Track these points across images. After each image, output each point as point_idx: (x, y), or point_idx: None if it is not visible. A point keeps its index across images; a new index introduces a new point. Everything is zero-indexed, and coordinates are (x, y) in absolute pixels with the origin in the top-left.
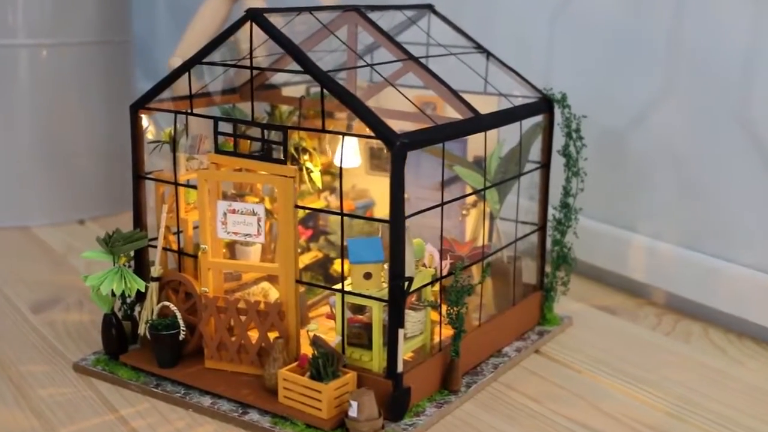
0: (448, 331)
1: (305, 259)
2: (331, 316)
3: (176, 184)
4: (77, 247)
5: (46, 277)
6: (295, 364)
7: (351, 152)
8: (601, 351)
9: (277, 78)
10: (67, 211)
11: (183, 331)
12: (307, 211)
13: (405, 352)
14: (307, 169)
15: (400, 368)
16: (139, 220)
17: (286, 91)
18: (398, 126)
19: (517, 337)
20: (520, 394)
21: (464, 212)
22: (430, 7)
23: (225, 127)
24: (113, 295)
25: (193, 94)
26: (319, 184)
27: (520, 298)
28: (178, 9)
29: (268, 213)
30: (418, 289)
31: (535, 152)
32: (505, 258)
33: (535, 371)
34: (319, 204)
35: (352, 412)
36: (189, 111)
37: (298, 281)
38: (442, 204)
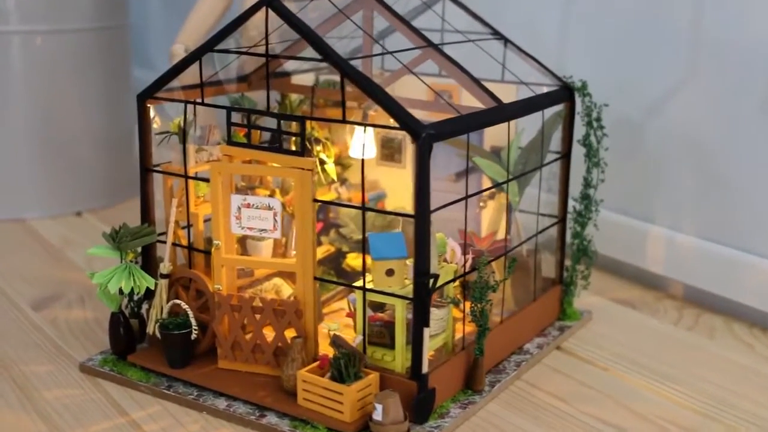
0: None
1: (317, 254)
2: (351, 315)
3: (186, 177)
4: (75, 241)
5: (44, 272)
6: (315, 364)
7: (367, 143)
8: (624, 347)
9: (286, 66)
10: (63, 202)
11: (195, 330)
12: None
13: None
14: (320, 160)
15: (425, 369)
16: (147, 215)
17: (296, 79)
18: (416, 116)
19: (537, 333)
20: (546, 393)
21: (481, 204)
22: None
23: (235, 117)
24: (121, 293)
25: (200, 83)
26: (334, 176)
27: (540, 293)
28: None
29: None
30: (442, 286)
31: (554, 142)
32: (524, 251)
33: (559, 369)
34: (330, 196)
35: (377, 416)
36: (200, 101)
37: (317, 278)
38: (467, 197)
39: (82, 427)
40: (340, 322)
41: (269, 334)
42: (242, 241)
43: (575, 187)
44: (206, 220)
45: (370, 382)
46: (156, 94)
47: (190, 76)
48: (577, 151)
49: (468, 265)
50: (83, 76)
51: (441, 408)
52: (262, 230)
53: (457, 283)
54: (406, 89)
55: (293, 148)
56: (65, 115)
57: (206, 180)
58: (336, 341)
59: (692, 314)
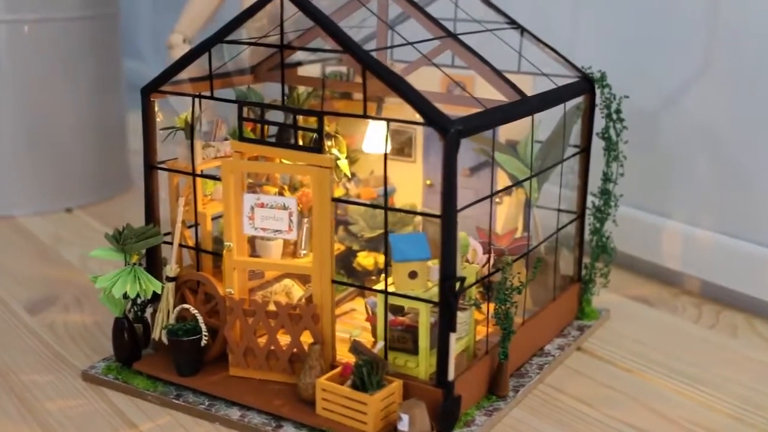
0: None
1: None
2: (371, 319)
3: (194, 174)
4: (67, 239)
5: (37, 272)
6: (335, 372)
7: (380, 137)
8: (646, 347)
9: (293, 57)
10: (53, 198)
11: (205, 336)
12: None
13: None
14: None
15: (451, 376)
16: (151, 215)
17: (301, 71)
18: None
19: (557, 334)
20: (570, 397)
21: (497, 200)
22: None
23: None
24: (125, 297)
25: (209, 75)
26: (347, 173)
27: (559, 292)
28: None
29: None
30: (467, 289)
31: (572, 136)
32: (542, 249)
33: (582, 371)
34: (338, 192)
35: (403, 426)
36: (210, 94)
37: (335, 281)
38: (492, 195)
39: None
40: (354, 326)
41: (283, 339)
42: (251, 240)
43: (592, 182)
44: (216, 217)
45: (393, 390)
46: (161, 88)
47: (195, 68)
48: (595, 145)
49: (490, 265)
50: (72, 67)
51: (466, 415)
52: (277, 231)
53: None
54: (419, 81)
55: (303, 143)
56: (54, 108)
57: (214, 178)
58: (356, 347)
59: (712, 311)
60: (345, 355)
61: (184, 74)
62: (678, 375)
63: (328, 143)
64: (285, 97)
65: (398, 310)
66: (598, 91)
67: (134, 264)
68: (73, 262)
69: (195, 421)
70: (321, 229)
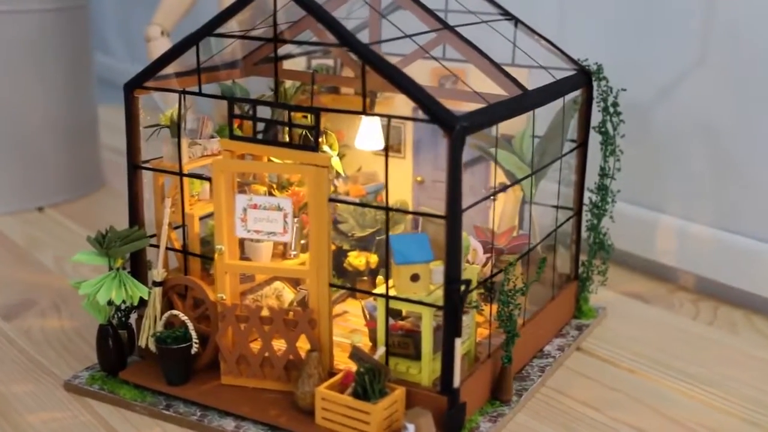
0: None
1: None
2: (371, 324)
3: (181, 174)
4: (41, 239)
5: (10, 275)
6: (333, 380)
7: (374, 134)
8: (646, 346)
9: (279, 50)
10: (23, 197)
11: (195, 343)
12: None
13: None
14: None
15: (456, 383)
16: (136, 217)
17: (287, 64)
18: None
19: (555, 334)
20: (574, 400)
21: (492, 197)
22: None
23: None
24: (110, 304)
25: (193, 70)
26: (340, 171)
27: (558, 291)
28: None
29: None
30: (472, 291)
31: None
32: (539, 247)
33: (583, 372)
34: None
35: None
36: (198, 89)
37: (333, 285)
38: (495, 192)
39: None
40: (347, 329)
41: (276, 344)
42: (240, 242)
43: (588, 178)
44: (202, 218)
45: (396, 398)
46: (145, 83)
47: (178, 62)
48: (591, 140)
49: (491, 265)
50: (41, 60)
51: (470, 422)
52: (271, 233)
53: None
54: (410, 75)
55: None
56: (22, 103)
57: (203, 177)
58: (357, 354)
59: (709, 308)
60: (342, 362)
61: (169, 69)
62: (682, 375)
63: (320, 140)
64: (271, 91)
65: (396, 314)
66: (594, 84)
67: (118, 269)
68: (48, 265)
69: None
70: (317, 230)
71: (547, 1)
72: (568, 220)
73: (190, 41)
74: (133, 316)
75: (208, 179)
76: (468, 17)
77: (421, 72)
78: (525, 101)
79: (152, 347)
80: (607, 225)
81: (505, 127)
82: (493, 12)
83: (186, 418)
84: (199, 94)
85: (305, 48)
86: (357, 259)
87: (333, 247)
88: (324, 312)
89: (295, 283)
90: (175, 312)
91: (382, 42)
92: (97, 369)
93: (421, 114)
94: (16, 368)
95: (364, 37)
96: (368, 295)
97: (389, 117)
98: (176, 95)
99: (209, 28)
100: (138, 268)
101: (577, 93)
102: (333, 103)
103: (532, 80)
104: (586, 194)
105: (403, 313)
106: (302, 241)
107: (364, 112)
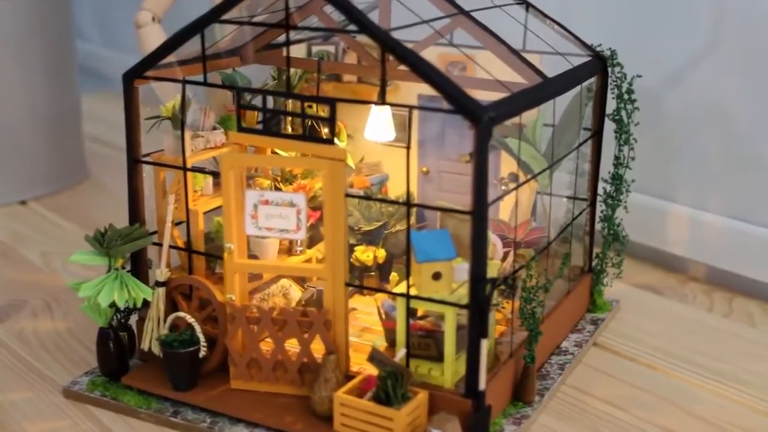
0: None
1: (321, 248)
2: (389, 324)
3: (185, 168)
4: (26, 235)
5: None
6: (351, 384)
7: (385, 124)
8: (664, 340)
9: (279, 37)
10: (5, 190)
11: (203, 346)
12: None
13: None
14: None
15: (482, 385)
16: (137, 214)
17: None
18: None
19: (571, 329)
20: (598, 399)
21: (503, 188)
22: None
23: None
24: (111, 306)
25: (194, 58)
26: (352, 164)
27: (573, 285)
28: None
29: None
30: (495, 288)
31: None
32: (545, 239)
33: (603, 369)
34: None
35: None
36: (203, 79)
37: (349, 284)
38: (519, 185)
39: None
40: (356, 327)
41: (290, 347)
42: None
43: (601, 167)
44: (209, 210)
45: (420, 402)
46: (146, 73)
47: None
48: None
49: (510, 260)
50: (21, 48)
51: (493, 425)
52: (283, 230)
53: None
54: None
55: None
56: (3, 92)
57: (206, 172)
58: (377, 357)
59: (723, 299)
60: (357, 364)
61: (170, 58)
62: (704, 371)
63: (325, 131)
64: (274, 81)
65: (411, 313)
66: (609, 70)
67: (117, 269)
68: (36, 262)
69: None
70: (334, 227)
71: None
72: (583, 211)
73: (195, 28)
74: (133, 317)
75: (213, 173)
76: (478, 1)
77: (427, 58)
78: (547, 89)
79: (156, 351)
80: (620, 215)
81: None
82: None
83: (195, 425)
84: (204, 83)
85: (306, 34)
86: (364, 254)
87: None
88: (340, 313)
89: (301, 280)
90: (181, 314)
91: (401, 28)
92: (97, 374)
93: (444, 104)
94: (11, 374)
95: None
96: (380, 294)
97: (411, 108)
98: (172, 86)
99: (215, 14)
100: (139, 267)
101: (591, 80)
102: (335, 91)
103: (546, 67)
104: (600, 184)
105: (418, 312)
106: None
107: (384, 102)
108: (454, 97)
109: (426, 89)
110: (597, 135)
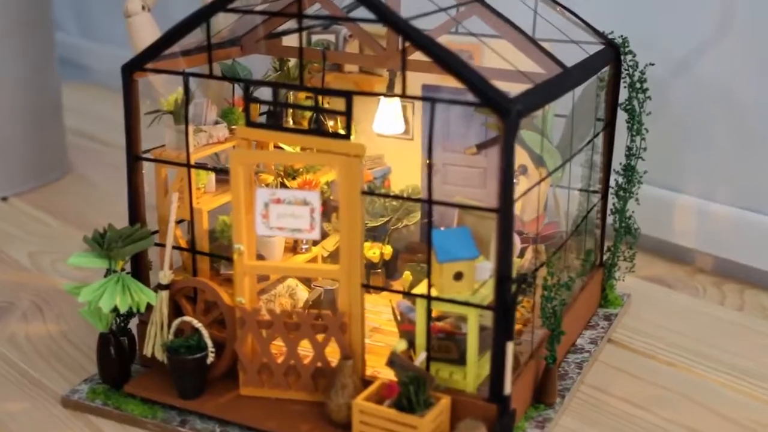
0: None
1: (328, 245)
2: (408, 327)
3: (188, 165)
4: (10, 233)
5: None
6: (370, 390)
7: (394, 116)
8: (679, 335)
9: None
10: None
11: (212, 352)
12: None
13: (488, 361)
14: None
15: (508, 390)
16: (137, 213)
17: (285, 41)
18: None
19: (585, 325)
20: (619, 399)
21: (515, 181)
22: None
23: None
24: (113, 310)
25: (196, 49)
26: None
27: (586, 279)
28: None
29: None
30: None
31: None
32: (565, 234)
33: (621, 367)
34: (329, 176)
35: None
36: (208, 70)
37: (366, 285)
38: (541, 180)
39: None
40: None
41: (302, 352)
42: None
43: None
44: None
45: (443, 408)
46: (147, 65)
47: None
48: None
49: (528, 257)
50: (0, 39)
51: (516, 429)
52: (296, 230)
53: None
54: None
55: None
56: None
57: (210, 169)
58: (397, 362)
59: (734, 291)
60: (373, 367)
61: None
62: (723, 366)
63: (330, 123)
64: (277, 72)
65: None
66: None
67: (116, 271)
68: (22, 261)
69: None
70: (349, 226)
71: None
72: (596, 204)
73: (201, 17)
74: (133, 321)
75: (221, 170)
76: None
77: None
78: (569, 79)
79: (160, 357)
80: (630, 207)
81: None
82: None
83: None
84: (210, 76)
85: (306, 23)
86: (370, 251)
87: None
88: (356, 315)
89: (306, 279)
90: (187, 318)
91: (419, 17)
92: (97, 381)
93: (469, 96)
94: (5, 383)
95: None
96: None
97: (433, 100)
98: (168, 80)
99: (222, 2)
100: (140, 269)
101: (604, 69)
102: (336, 82)
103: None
104: (610, 176)
105: (433, 314)
106: None
107: (403, 95)
108: (481, 90)
109: (430, 79)
110: (610, 126)
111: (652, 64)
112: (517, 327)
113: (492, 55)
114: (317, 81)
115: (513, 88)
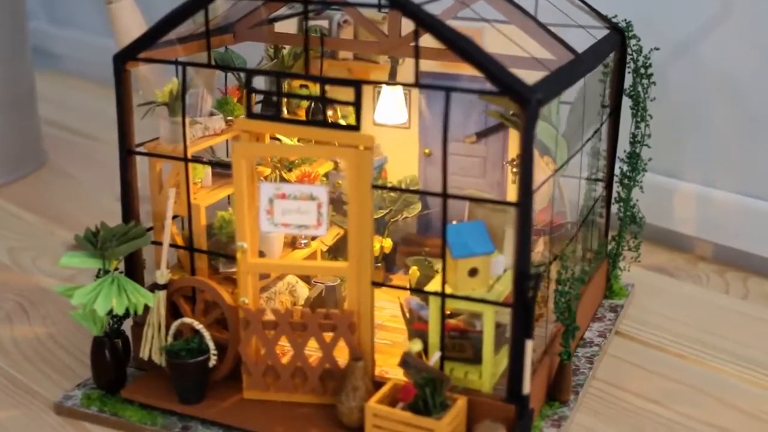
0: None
1: (327, 240)
2: (421, 326)
3: (186, 159)
4: None
5: None
6: (382, 392)
7: (397, 106)
8: (686, 326)
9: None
10: None
11: (214, 354)
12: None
13: (503, 359)
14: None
15: (526, 389)
16: (130, 210)
17: (279, 27)
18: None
19: (592, 318)
20: (633, 394)
21: (514, 170)
22: None
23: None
24: (109, 313)
25: (190, 36)
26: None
27: (592, 271)
28: None
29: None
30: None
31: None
32: (571, 226)
33: (632, 361)
34: (327, 167)
35: None
36: (207, 59)
37: (376, 283)
38: (558, 169)
39: None
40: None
41: (307, 352)
42: None
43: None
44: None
45: (459, 410)
46: (140, 54)
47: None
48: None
49: (540, 250)
50: None
51: (533, 429)
52: (302, 226)
53: None
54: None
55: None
56: None
57: (203, 162)
58: (410, 363)
59: (737, 279)
60: (379, 366)
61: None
62: (735, 358)
63: (329, 113)
64: (272, 60)
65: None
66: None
67: (109, 271)
68: (2, 259)
69: None
70: (359, 222)
71: None
72: (602, 193)
73: (198, 3)
74: (126, 321)
75: (223, 164)
76: None
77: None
78: (581, 66)
79: (158, 360)
80: (633, 196)
81: None
82: None
83: None
84: (208, 65)
85: (297, 8)
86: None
87: (341, 232)
88: (366, 314)
89: (306, 276)
90: (188, 320)
91: (430, 2)
92: (92, 386)
93: (486, 85)
94: None
95: None
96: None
97: (448, 89)
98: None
99: None
100: (134, 269)
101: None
102: (330, 69)
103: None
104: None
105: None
106: None
107: (417, 84)
108: (499, 78)
109: (430, 66)
110: (614, 112)
111: (657, 49)
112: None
113: (493, 40)
114: (315, 69)
115: (522, 75)
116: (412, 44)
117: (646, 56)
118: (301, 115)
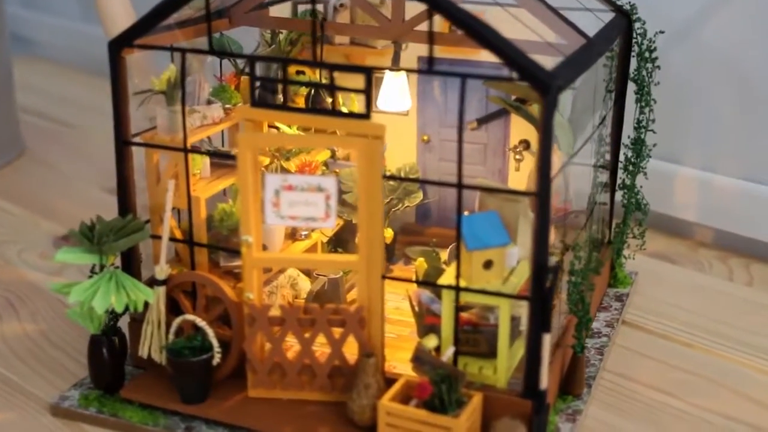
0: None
1: (327, 230)
2: (433, 320)
3: (185, 150)
4: None
5: None
6: (395, 389)
7: (401, 92)
8: (693, 314)
9: None
10: None
11: (218, 352)
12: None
13: (517, 353)
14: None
15: (544, 384)
16: (127, 203)
17: (273, 11)
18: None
19: (598, 307)
20: (644, 385)
21: (517, 157)
22: None
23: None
24: (107, 311)
25: (186, 21)
26: None
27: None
28: None
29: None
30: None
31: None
32: (574, 213)
33: (641, 351)
34: (324, 155)
35: None
36: (208, 46)
37: (386, 276)
38: (572, 156)
39: None
40: None
41: (317, 349)
42: None
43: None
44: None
45: (475, 406)
46: (137, 41)
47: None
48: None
49: (551, 240)
50: None
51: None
52: (309, 219)
53: None
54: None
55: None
56: None
57: (201, 152)
58: (423, 359)
59: (740, 266)
60: (391, 362)
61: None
62: (743, 347)
63: (329, 100)
64: (269, 46)
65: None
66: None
67: (109, 267)
68: None
69: None
70: (369, 213)
71: None
72: (608, 180)
73: None
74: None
75: (219, 154)
76: None
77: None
78: (594, 50)
79: (158, 358)
80: (637, 182)
81: None
82: None
83: None
84: (210, 52)
85: None
86: None
87: (340, 222)
88: (376, 309)
89: (306, 269)
90: (190, 317)
91: None
92: (89, 386)
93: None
94: None
95: None
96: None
97: (464, 77)
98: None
99: None
100: (131, 264)
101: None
102: (327, 55)
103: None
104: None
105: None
106: None
107: (430, 71)
108: (519, 64)
109: (426, 51)
110: (620, 98)
111: (662, 32)
112: None
113: (496, 23)
114: (308, 54)
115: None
116: (417, 28)
117: (651, 39)
118: (300, 102)
